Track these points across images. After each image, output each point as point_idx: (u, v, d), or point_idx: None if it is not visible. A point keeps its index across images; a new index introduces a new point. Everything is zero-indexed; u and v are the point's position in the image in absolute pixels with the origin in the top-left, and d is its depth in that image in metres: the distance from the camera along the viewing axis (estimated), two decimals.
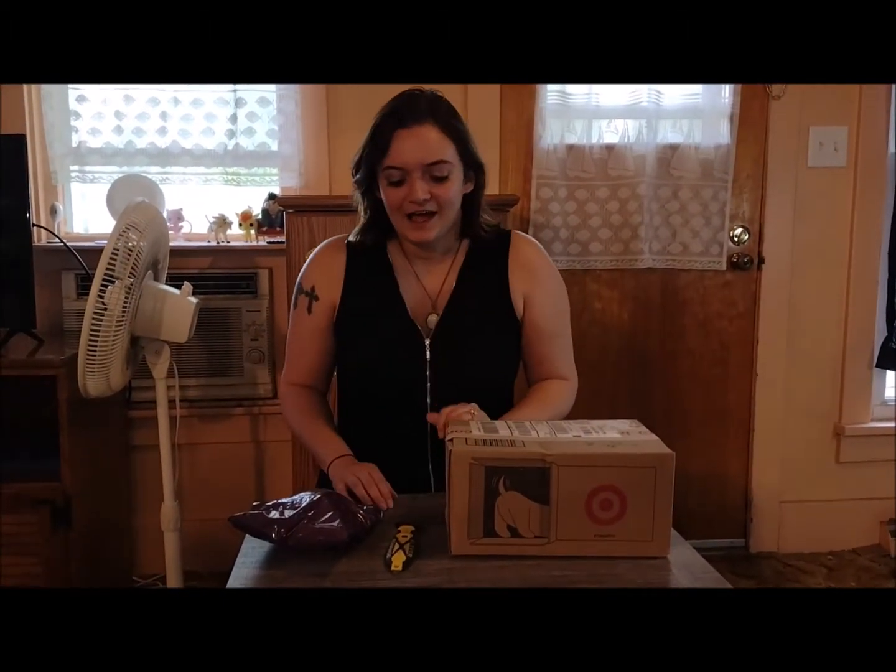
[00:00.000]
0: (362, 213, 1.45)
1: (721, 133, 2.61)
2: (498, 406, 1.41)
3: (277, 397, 1.53)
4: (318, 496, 1.14)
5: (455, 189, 1.36)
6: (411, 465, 1.40)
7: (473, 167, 1.40)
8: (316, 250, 1.51)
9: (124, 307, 1.72)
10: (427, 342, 1.40)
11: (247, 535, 1.14)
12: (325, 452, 1.38)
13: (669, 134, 2.61)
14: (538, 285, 1.46)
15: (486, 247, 1.47)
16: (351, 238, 1.48)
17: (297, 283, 1.50)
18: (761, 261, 2.72)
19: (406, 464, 1.38)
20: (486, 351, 1.42)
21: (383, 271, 1.45)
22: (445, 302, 1.43)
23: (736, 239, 2.71)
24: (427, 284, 1.45)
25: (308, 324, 1.47)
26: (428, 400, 1.40)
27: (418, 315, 1.43)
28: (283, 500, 1.15)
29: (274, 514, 1.10)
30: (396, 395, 1.40)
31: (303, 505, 1.11)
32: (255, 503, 1.15)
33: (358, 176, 1.40)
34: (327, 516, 1.09)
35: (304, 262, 1.52)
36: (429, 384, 1.40)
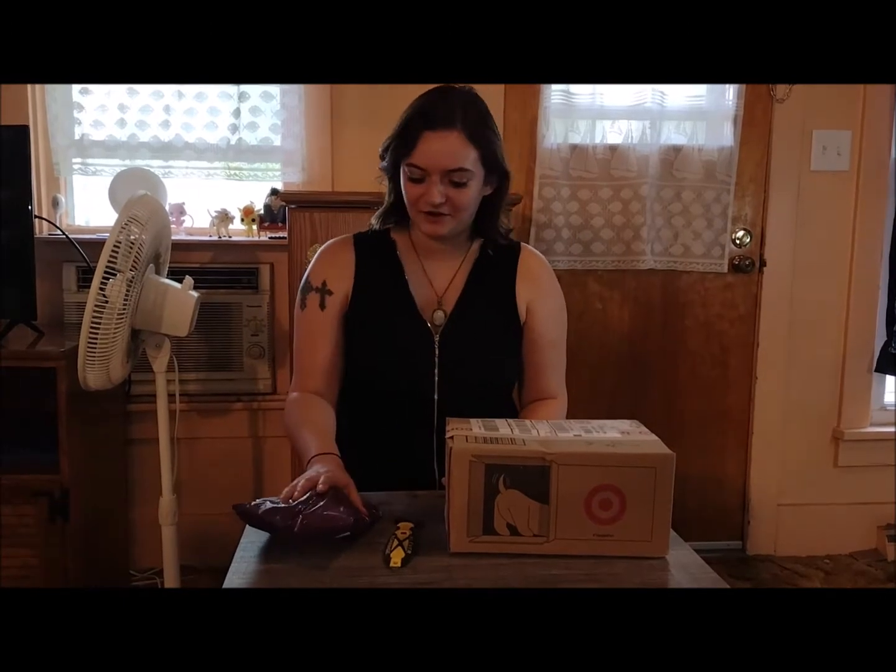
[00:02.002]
0: (386, 197, 1.47)
1: (724, 135, 2.61)
2: (502, 407, 1.44)
3: (284, 407, 1.47)
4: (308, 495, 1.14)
5: (471, 195, 1.37)
6: (417, 459, 1.41)
7: (497, 173, 1.41)
8: (322, 248, 1.50)
9: (125, 300, 1.72)
10: (437, 338, 1.41)
11: (246, 529, 1.14)
12: (313, 445, 1.29)
13: (673, 135, 2.61)
14: (542, 295, 1.49)
15: (495, 253, 1.49)
16: (373, 220, 1.49)
17: (302, 284, 1.47)
18: (763, 264, 2.72)
19: (409, 460, 1.39)
20: (494, 350, 1.44)
21: (392, 268, 1.46)
22: (454, 300, 1.44)
23: (738, 241, 2.71)
24: (435, 281, 1.46)
25: (321, 320, 1.44)
26: (435, 396, 1.40)
27: (425, 311, 1.43)
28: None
29: (277, 504, 1.10)
30: (405, 392, 1.41)
31: (304, 497, 1.11)
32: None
33: (384, 163, 1.42)
34: (330, 505, 1.09)
35: (306, 258, 1.52)
36: (437, 379, 1.40)
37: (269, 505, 1.10)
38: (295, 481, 1.15)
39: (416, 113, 1.35)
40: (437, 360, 1.41)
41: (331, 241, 1.52)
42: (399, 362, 1.40)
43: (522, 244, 1.53)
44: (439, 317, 1.43)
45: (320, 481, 1.12)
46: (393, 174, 1.42)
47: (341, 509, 1.09)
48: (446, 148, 1.32)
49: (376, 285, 1.44)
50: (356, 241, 1.48)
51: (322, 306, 1.44)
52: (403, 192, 1.39)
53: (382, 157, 1.42)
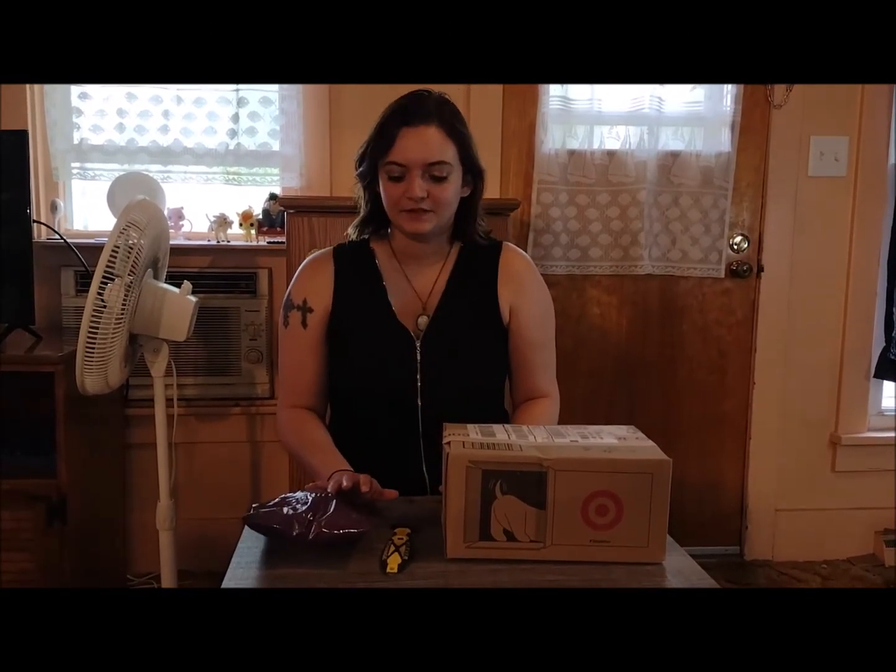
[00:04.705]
0: (363, 207, 1.47)
1: (722, 141, 2.62)
2: (487, 410, 1.42)
3: (276, 425, 1.50)
4: (323, 493, 1.14)
5: (452, 191, 1.38)
6: (405, 467, 1.40)
7: (473, 172, 1.42)
8: (303, 265, 1.50)
9: (124, 305, 1.72)
10: (418, 344, 1.41)
11: (243, 534, 1.13)
12: (324, 465, 1.32)
13: (671, 141, 2.62)
14: (525, 297, 1.47)
15: (476, 254, 1.49)
16: (350, 230, 1.50)
17: (285, 301, 1.48)
18: (760, 269, 2.72)
19: (399, 466, 1.38)
20: (476, 353, 1.43)
21: (371, 277, 1.46)
22: (436, 303, 1.44)
23: (735, 247, 2.72)
24: (417, 286, 1.46)
25: (304, 338, 1.45)
26: (419, 402, 1.40)
27: (408, 316, 1.43)
28: (283, 496, 1.15)
29: (287, 511, 1.09)
30: (388, 398, 1.40)
31: (310, 501, 1.11)
32: (254, 504, 1.15)
33: (361, 169, 1.42)
34: (342, 510, 1.09)
35: (305, 261, 1.52)
36: (419, 385, 1.40)
37: (282, 515, 1.09)
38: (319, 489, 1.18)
39: (392, 112, 1.36)
40: (418, 365, 1.40)
41: (311, 256, 1.52)
42: (380, 370, 1.40)
43: (505, 243, 1.52)
44: (424, 321, 1.43)
45: (344, 479, 1.16)
46: (369, 181, 1.42)
47: (352, 516, 1.09)
48: (425, 142, 1.33)
49: (355, 297, 1.44)
50: (336, 254, 1.48)
51: (304, 324, 1.44)
52: (383, 195, 1.39)
53: (359, 163, 1.42)
